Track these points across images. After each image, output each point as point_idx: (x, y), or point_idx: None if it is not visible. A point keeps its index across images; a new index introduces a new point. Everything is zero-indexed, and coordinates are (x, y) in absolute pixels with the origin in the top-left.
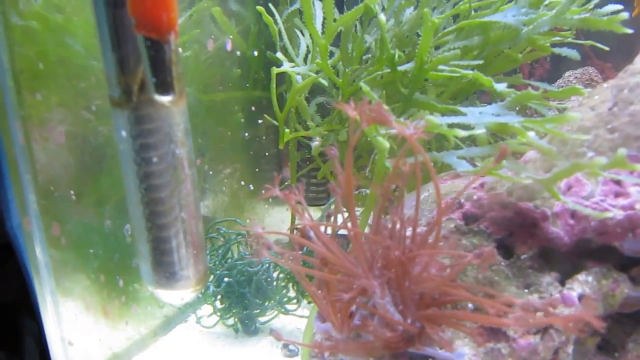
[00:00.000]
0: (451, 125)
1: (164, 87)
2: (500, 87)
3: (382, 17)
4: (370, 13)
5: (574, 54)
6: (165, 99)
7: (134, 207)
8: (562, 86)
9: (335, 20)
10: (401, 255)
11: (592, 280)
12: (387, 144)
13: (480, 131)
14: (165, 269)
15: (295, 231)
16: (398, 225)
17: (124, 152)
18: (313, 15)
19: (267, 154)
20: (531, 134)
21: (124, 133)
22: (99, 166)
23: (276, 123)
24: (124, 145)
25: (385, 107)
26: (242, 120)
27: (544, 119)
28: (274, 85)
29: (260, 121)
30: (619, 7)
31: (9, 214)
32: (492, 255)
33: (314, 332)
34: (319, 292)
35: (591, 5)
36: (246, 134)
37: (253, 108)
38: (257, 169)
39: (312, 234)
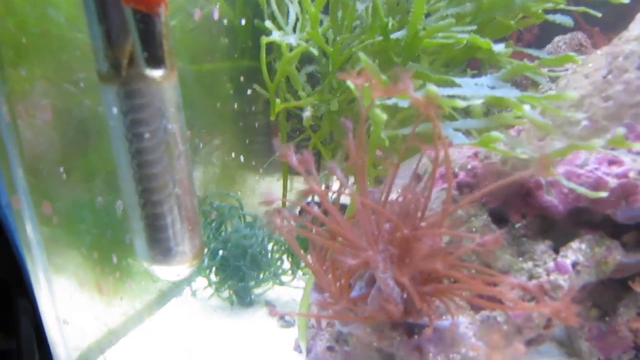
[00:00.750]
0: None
1: (155, 61)
2: (498, 48)
3: None
4: None
5: (567, 20)
6: (156, 73)
7: (127, 183)
8: (552, 52)
9: None
10: (409, 233)
11: (586, 247)
12: (384, 117)
13: (477, 101)
14: (160, 245)
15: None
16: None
17: (114, 128)
18: None
19: (256, 125)
20: (526, 107)
21: (113, 109)
22: (87, 141)
23: (266, 93)
24: (114, 122)
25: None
26: (231, 91)
27: (542, 96)
28: (264, 55)
29: (249, 92)
30: None
31: None
32: (496, 241)
33: (311, 303)
34: (319, 263)
35: None
36: (235, 105)
37: (242, 78)
38: (247, 141)
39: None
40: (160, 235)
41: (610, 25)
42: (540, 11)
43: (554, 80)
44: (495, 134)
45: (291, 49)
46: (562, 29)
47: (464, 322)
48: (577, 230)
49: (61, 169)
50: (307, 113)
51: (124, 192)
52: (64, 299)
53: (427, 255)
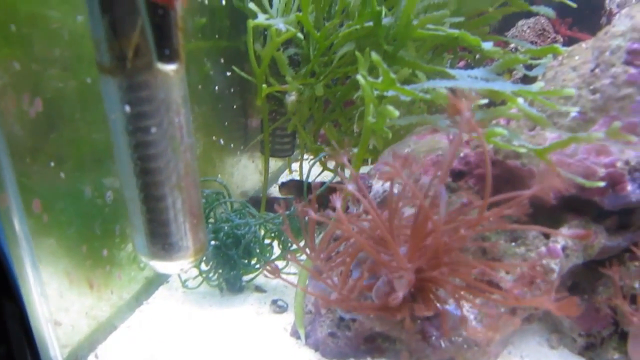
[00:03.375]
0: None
1: (169, 55)
2: (487, 45)
3: None
4: None
5: (550, 12)
6: (169, 67)
7: (127, 178)
8: (516, 35)
9: None
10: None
11: (574, 232)
12: (396, 112)
13: (483, 101)
14: (163, 240)
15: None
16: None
17: (115, 121)
18: None
19: (234, 106)
20: (520, 100)
21: (115, 101)
22: (77, 131)
23: (244, 75)
24: (115, 115)
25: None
26: (211, 72)
27: (538, 91)
28: (251, 40)
29: (229, 73)
30: None
31: None
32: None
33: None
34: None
35: None
36: (216, 87)
37: (222, 60)
38: (226, 123)
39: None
40: (162, 230)
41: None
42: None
43: (530, 68)
44: (498, 129)
45: (278, 33)
46: (525, 13)
47: (465, 306)
48: (564, 215)
49: (52, 164)
50: (291, 97)
51: (124, 186)
52: (54, 299)
53: (442, 249)
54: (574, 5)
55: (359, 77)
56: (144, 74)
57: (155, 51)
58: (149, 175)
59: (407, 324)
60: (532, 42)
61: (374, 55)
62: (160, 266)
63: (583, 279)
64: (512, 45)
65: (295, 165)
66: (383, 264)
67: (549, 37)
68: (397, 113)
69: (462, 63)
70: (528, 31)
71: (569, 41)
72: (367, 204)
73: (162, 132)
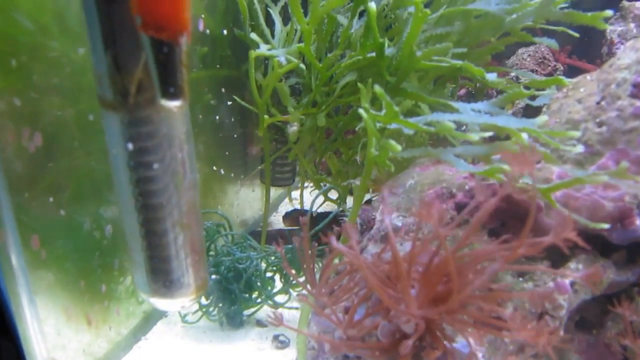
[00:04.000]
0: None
1: (173, 92)
2: (491, 77)
3: (372, 5)
4: None
5: (553, 43)
6: (173, 104)
7: (129, 213)
8: (517, 64)
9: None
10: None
11: (582, 267)
12: (399, 147)
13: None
14: (164, 277)
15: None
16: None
17: (116, 156)
18: None
19: (235, 135)
20: (524, 135)
21: (117, 137)
22: (74, 164)
23: (246, 105)
24: (117, 150)
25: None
26: (212, 101)
27: (545, 131)
28: (252, 70)
29: (229, 102)
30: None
31: None
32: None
33: (312, 326)
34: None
35: None
36: (217, 117)
37: (223, 89)
38: (226, 152)
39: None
40: (163, 267)
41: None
42: (528, 34)
43: (533, 98)
44: (504, 166)
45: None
46: (524, 42)
47: (472, 344)
48: (571, 249)
49: (51, 199)
50: (293, 128)
51: (124, 221)
52: (51, 337)
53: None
54: (577, 35)
55: (361, 110)
56: (147, 109)
57: (159, 88)
58: (151, 211)
59: None
60: (532, 70)
61: (377, 88)
62: (161, 303)
63: (591, 313)
64: (512, 74)
65: (295, 194)
66: (392, 307)
67: (549, 66)
68: (399, 148)
69: (463, 91)
70: (528, 59)
71: (569, 69)
72: (391, 244)
73: (164, 168)
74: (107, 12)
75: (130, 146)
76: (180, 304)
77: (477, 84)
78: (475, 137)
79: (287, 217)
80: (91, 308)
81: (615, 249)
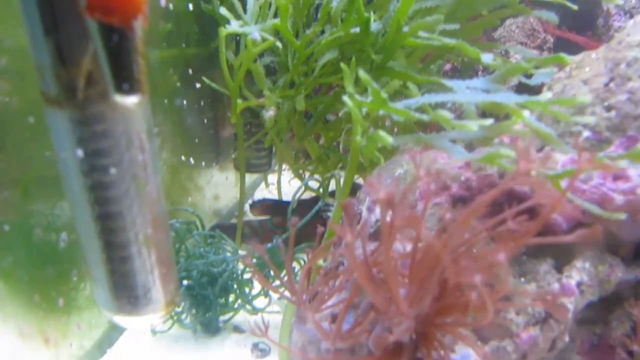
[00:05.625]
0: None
1: (128, 87)
2: (487, 58)
3: None
4: None
5: (552, 17)
6: (129, 100)
7: (84, 224)
8: (505, 36)
9: None
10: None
11: (589, 266)
12: (390, 139)
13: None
14: (128, 293)
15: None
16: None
17: (66, 160)
18: None
19: (205, 120)
20: (526, 113)
21: (66, 137)
22: (20, 166)
23: (217, 87)
24: (66, 153)
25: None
26: (178, 84)
27: (549, 100)
28: (223, 49)
29: (198, 85)
30: None
31: None
32: None
33: (293, 333)
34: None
35: None
36: (184, 102)
37: (190, 71)
38: (196, 140)
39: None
40: (127, 282)
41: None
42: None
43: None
44: (505, 150)
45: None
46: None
47: (473, 355)
48: (576, 245)
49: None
50: (269, 113)
51: (79, 233)
52: None
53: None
54: (575, 7)
55: (345, 98)
56: (99, 105)
57: (112, 81)
58: (109, 220)
59: None
60: (521, 43)
61: (362, 74)
62: (127, 322)
63: (594, 311)
64: (501, 49)
65: (272, 178)
66: (382, 308)
67: (538, 38)
68: (390, 139)
69: (448, 66)
70: (517, 31)
71: (557, 41)
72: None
73: (122, 172)
74: None
75: (81, 148)
76: (148, 322)
77: (465, 59)
78: (474, 127)
79: (255, 206)
80: (48, 325)
81: (621, 243)
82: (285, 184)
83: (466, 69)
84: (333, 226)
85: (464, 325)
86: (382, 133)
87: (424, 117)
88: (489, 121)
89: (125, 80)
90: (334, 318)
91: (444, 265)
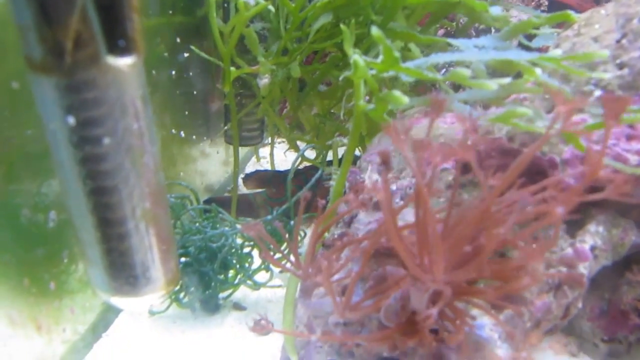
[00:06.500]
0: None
1: (122, 47)
2: (496, 11)
3: None
4: None
5: None
6: (123, 62)
7: (76, 200)
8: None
9: None
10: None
11: (603, 230)
12: (405, 99)
13: (506, 79)
14: (126, 273)
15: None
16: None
17: (54, 131)
18: None
19: (194, 92)
20: (538, 70)
21: (53, 106)
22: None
23: (207, 57)
24: (54, 123)
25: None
26: (166, 53)
27: (562, 56)
28: (214, 14)
29: (186, 54)
30: None
31: None
32: None
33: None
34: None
35: None
36: (173, 72)
37: (178, 39)
38: (186, 112)
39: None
40: (125, 261)
41: None
42: None
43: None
44: (520, 108)
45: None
46: None
47: (488, 324)
48: (588, 210)
49: None
50: (264, 81)
51: (71, 211)
52: None
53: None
54: None
55: (355, 57)
56: (89, 70)
57: (103, 41)
58: (103, 195)
59: (424, 347)
60: None
61: (375, 31)
62: (125, 303)
63: (602, 275)
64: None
65: (263, 151)
66: (417, 275)
67: (544, 4)
68: (406, 99)
69: (441, 31)
70: None
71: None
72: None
73: (116, 143)
74: None
75: (71, 118)
76: (147, 303)
77: (460, 22)
78: (493, 85)
79: (248, 179)
80: (39, 310)
81: (632, 206)
82: (281, 156)
83: (461, 34)
84: (341, 195)
85: (501, 291)
86: (396, 92)
87: (438, 77)
88: (507, 79)
89: (118, 38)
90: (342, 290)
91: (481, 230)
